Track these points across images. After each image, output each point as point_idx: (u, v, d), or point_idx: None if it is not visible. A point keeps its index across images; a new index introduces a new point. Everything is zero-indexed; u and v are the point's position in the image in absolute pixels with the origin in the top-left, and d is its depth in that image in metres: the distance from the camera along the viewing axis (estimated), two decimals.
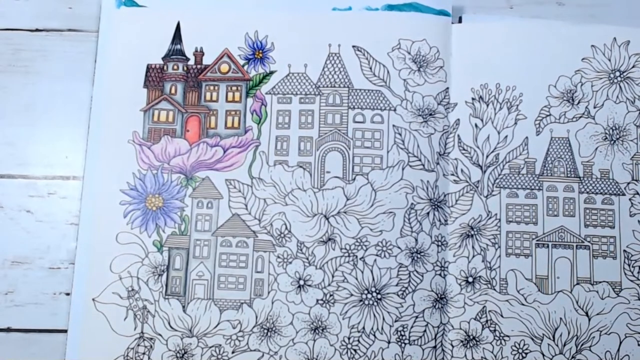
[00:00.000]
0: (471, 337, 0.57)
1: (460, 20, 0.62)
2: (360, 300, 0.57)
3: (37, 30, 0.62)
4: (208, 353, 0.57)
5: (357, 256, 0.58)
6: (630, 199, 0.59)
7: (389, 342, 0.57)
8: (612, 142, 0.60)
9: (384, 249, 0.58)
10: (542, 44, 0.61)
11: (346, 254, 0.58)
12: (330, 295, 0.57)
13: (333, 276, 0.58)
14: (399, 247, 0.58)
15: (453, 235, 0.58)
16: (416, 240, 0.58)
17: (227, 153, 0.60)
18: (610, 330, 0.57)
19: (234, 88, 0.61)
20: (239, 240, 0.58)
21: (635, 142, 0.60)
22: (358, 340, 0.57)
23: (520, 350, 0.57)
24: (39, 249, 0.59)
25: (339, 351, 0.57)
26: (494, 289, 0.58)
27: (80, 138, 0.60)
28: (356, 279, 0.58)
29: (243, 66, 0.61)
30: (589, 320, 0.58)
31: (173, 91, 0.61)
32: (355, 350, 0.57)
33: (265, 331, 0.57)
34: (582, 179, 0.60)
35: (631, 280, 0.58)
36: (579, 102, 0.61)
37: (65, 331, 0.57)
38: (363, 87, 0.61)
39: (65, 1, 0.63)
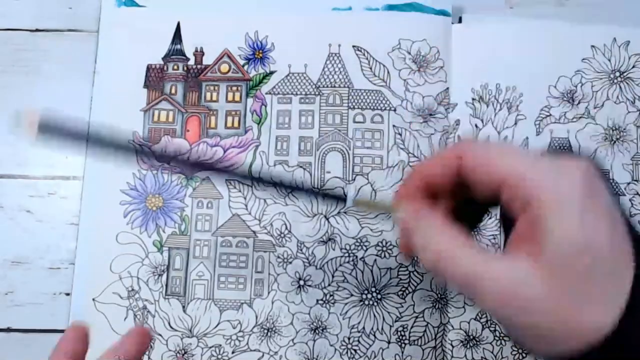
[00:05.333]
0: (471, 337, 0.57)
1: (460, 20, 0.62)
2: (360, 301, 0.57)
3: (37, 30, 0.62)
4: (208, 353, 0.57)
5: (357, 256, 0.58)
6: (630, 199, 0.59)
7: (389, 342, 0.57)
8: (612, 142, 0.60)
9: (384, 249, 0.58)
10: (542, 44, 0.61)
11: (346, 254, 0.58)
12: (330, 295, 0.57)
13: (333, 276, 0.58)
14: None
15: None
16: None
17: (227, 153, 0.60)
18: None
19: (234, 88, 0.61)
20: (239, 240, 0.58)
21: (635, 142, 0.60)
22: (358, 341, 0.57)
23: (520, 350, 0.57)
24: (39, 249, 0.59)
25: (339, 351, 0.57)
26: None
27: None
28: (356, 279, 0.58)
29: (243, 66, 0.61)
30: None
31: (173, 91, 0.61)
32: (355, 351, 0.57)
33: (265, 331, 0.57)
34: None
35: None
36: (579, 103, 0.61)
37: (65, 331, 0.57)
38: (363, 87, 0.61)
39: (65, 1, 0.63)
